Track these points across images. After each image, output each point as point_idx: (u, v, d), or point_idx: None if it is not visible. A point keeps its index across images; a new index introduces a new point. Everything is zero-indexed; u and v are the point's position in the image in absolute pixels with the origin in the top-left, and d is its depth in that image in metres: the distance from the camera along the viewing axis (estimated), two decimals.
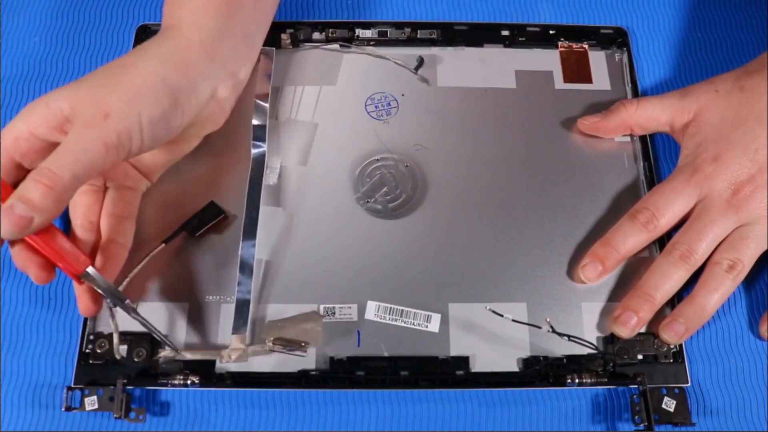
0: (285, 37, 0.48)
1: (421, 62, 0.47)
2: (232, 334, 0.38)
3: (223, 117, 0.42)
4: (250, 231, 0.40)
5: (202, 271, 0.41)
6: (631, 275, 0.41)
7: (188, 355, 0.38)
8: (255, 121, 0.44)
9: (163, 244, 0.40)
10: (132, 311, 0.37)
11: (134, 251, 0.40)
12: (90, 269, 0.35)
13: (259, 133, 0.43)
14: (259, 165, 0.43)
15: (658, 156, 0.46)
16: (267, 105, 0.45)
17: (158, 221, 0.42)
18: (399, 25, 0.48)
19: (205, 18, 0.39)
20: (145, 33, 0.48)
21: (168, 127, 0.36)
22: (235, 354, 0.37)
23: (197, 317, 0.39)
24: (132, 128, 0.34)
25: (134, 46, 0.48)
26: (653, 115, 0.43)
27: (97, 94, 0.34)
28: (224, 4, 0.40)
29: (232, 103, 0.42)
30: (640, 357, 0.39)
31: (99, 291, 0.36)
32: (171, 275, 0.40)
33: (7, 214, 0.31)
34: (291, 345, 0.37)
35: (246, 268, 0.40)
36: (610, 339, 0.39)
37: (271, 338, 0.38)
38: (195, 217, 0.41)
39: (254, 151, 0.43)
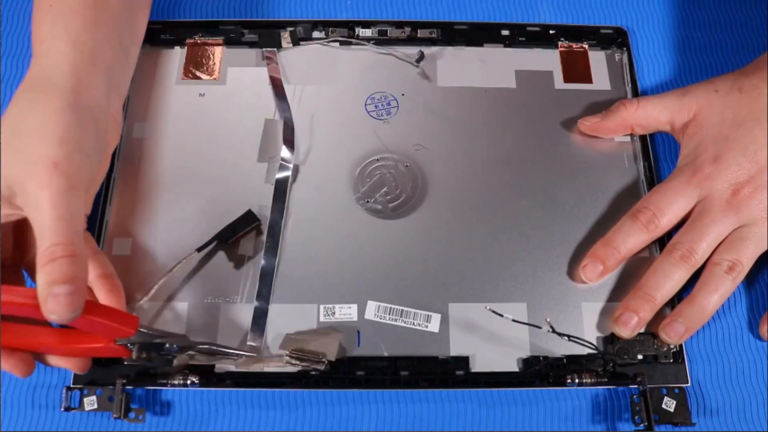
0: (285, 36, 0.48)
1: (421, 56, 0.47)
2: (248, 342, 0.38)
3: (119, 130, 0.41)
4: (273, 242, 0.41)
5: (203, 272, 0.40)
6: (631, 275, 0.41)
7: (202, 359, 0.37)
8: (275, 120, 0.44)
9: (196, 252, 0.40)
10: (196, 346, 0.36)
11: (163, 258, 0.41)
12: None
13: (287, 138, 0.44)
14: (283, 173, 0.43)
15: (658, 156, 0.46)
16: (289, 108, 0.45)
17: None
18: (399, 24, 0.48)
19: (75, 34, 0.37)
20: (147, 33, 0.48)
21: (101, 144, 0.36)
22: (251, 363, 0.37)
23: (196, 317, 0.39)
24: (81, 160, 0.33)
25: None
26: (653, 114, 0.43)
27: (28, 153, 0.32)
28: (85, 16, 0.38)
29: (121, 114, 0.41)
30: (640, 357, 0.39)
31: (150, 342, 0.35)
32: (172, 276, 0.40)
33: (57, 301, 0.30)
34: (309, 358, 0.37)
35: (266, 277, 0.40)
36: (610, 339, 0.39)
37: (288, 351, 0.37)
38: (230, 226, 0.41)
39: (281, 157, 0.43)
